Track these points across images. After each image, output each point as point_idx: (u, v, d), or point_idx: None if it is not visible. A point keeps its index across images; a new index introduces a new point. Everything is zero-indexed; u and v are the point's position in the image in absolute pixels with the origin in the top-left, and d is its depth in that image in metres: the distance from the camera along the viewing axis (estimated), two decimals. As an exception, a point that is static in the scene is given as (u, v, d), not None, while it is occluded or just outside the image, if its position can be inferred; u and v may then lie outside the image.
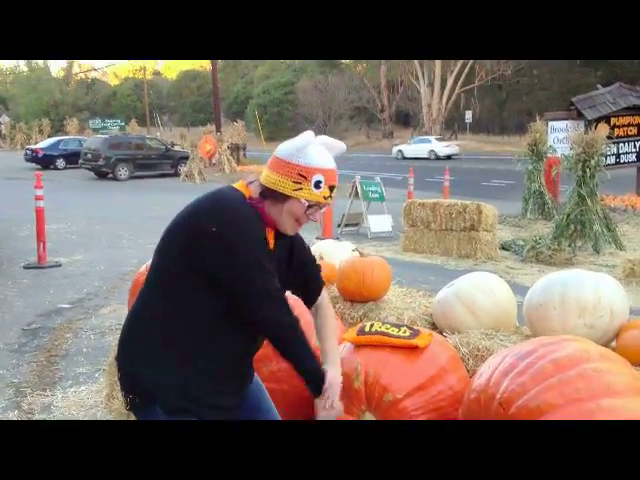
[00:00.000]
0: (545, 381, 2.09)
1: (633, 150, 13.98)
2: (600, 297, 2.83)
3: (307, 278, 2.32)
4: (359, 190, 11.99)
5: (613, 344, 2.87)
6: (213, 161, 27.15)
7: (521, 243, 9.77)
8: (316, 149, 2.07)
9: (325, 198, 2.07)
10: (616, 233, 9.83)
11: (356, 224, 12.43)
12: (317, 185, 2.05)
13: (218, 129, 30.38)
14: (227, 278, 1.98)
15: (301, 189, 2.04)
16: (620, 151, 13.67)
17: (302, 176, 2.03)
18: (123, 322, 2.19)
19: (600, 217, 9.73)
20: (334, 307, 3.77)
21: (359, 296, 3.73)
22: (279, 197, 2.05)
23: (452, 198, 11.56)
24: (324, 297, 2.36)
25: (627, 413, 2.01)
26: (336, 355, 2.29)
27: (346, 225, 12.23)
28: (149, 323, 2.07)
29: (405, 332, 2.71)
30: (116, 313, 6.34)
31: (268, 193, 2.06)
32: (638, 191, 14.57)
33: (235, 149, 28.68)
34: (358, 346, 2.74)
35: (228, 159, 26.71)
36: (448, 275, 3.34)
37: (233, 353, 2.11)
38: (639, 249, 9.06)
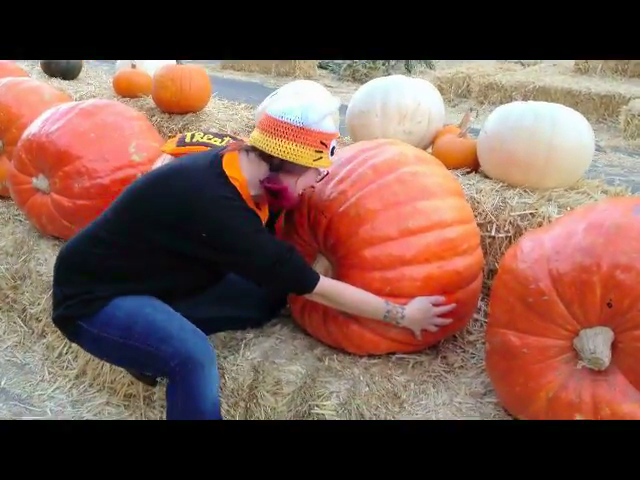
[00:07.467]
0: (365, 187, 2.08)
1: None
2: (419, 103, 2.86)
3: None
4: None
5: (430, 150, 2.96)
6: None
7: (338, 61, 9.67)
8: None
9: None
10: (428, 50, 10.04)
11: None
12: (333, 151, 1.93)
13: None
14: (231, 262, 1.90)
15: (321, 158, 1.88)
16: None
17: (323, 144, 1.86)
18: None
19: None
20: (150, 120, 3.52)
21: (177, 107, 3.50)
22: (296, 169, 1.88)
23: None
24: None
25: (440, 213, 2.08)
26: None
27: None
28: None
29: (229, 142, 2.57)
30: None
31: (285, 166, 1.86)
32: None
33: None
34: (178, 157, 2.59)
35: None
36: (269, 93, 3.20)
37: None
38: (447, 68, 9.32)
